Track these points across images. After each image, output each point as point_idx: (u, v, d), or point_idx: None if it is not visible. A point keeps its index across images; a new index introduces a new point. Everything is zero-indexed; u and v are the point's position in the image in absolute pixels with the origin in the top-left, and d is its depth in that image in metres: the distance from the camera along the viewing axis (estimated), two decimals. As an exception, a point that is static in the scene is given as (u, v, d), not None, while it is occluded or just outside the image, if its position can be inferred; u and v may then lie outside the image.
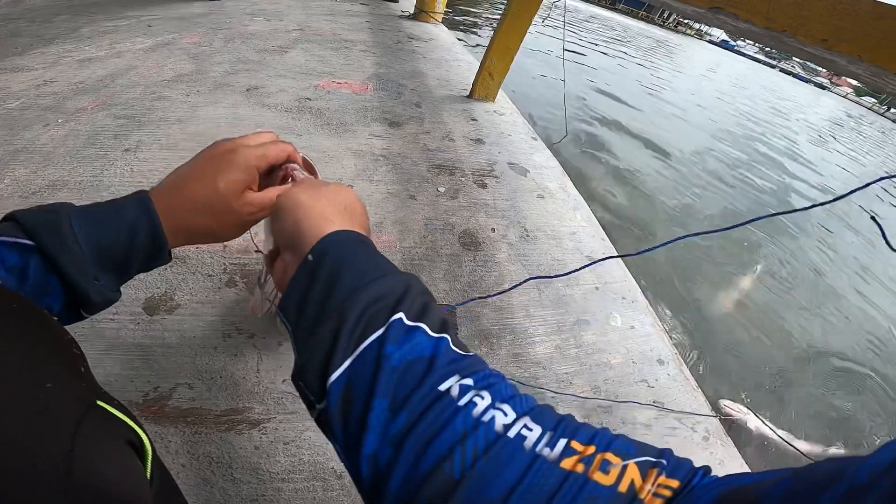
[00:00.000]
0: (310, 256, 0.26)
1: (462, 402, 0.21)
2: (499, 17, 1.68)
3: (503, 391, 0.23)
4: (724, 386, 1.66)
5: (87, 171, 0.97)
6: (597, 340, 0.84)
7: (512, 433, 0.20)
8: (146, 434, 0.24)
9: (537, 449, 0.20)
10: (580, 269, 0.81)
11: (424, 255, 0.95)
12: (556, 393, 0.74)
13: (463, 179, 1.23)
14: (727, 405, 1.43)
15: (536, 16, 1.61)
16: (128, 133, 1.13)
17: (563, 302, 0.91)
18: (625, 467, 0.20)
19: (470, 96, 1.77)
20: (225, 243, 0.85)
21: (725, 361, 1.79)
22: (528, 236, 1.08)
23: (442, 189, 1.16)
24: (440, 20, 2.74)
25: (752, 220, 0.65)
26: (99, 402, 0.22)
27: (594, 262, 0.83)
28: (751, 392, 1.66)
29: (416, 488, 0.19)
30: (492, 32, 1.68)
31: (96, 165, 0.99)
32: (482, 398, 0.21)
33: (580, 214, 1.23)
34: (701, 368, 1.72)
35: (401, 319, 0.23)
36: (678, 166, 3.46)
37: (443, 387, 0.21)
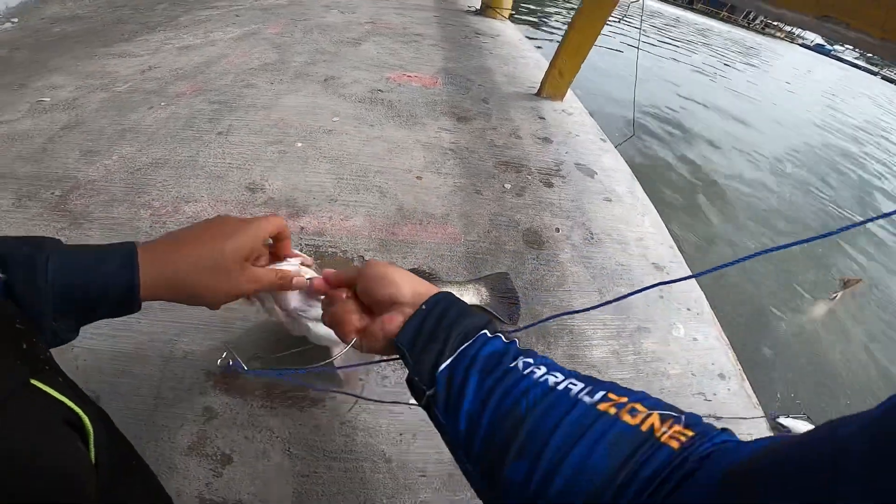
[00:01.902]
0: (423, 307, 0.37)
1: (525, 371, 0.30)
2: (571, 15, 1.62)
3: (557, 367, 0.31)
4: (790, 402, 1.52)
5: (184, 152, 1.06)
6: (657, 349, 0.81)
7: (560, 387, 0.28)
8: (87, 415, 0.25)
9: (580, 396, 0.27)
10: (629, 294, 0.76)
11: (488, 249, 0.94)
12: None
13: (529, 177, 1.21)
14: (786, 422, 1.32)
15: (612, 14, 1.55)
16: (220, 117, 1.21)
17: (625, 307, 0.87)
18: (649, 414, 0.25)
19: (538, 94, 1.74)
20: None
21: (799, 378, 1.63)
22: (592, 239, 1.04)
23: (508, 186, 1.15)
24: (507, 16, 2.70)
25: (839, 231, 0.57)
26: (33, 381, 0.23)
27: (657, 285, 0.79)
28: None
29: (499, 425, 0.28)
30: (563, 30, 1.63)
31: (192, 146, 1.08)
32: (539, 369, 0.30)
33: (648, 220, 1.17)
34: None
35: (485, 333, 0.34)
36: (755, 176, 3.19)
37: (511, 364, 0.31)
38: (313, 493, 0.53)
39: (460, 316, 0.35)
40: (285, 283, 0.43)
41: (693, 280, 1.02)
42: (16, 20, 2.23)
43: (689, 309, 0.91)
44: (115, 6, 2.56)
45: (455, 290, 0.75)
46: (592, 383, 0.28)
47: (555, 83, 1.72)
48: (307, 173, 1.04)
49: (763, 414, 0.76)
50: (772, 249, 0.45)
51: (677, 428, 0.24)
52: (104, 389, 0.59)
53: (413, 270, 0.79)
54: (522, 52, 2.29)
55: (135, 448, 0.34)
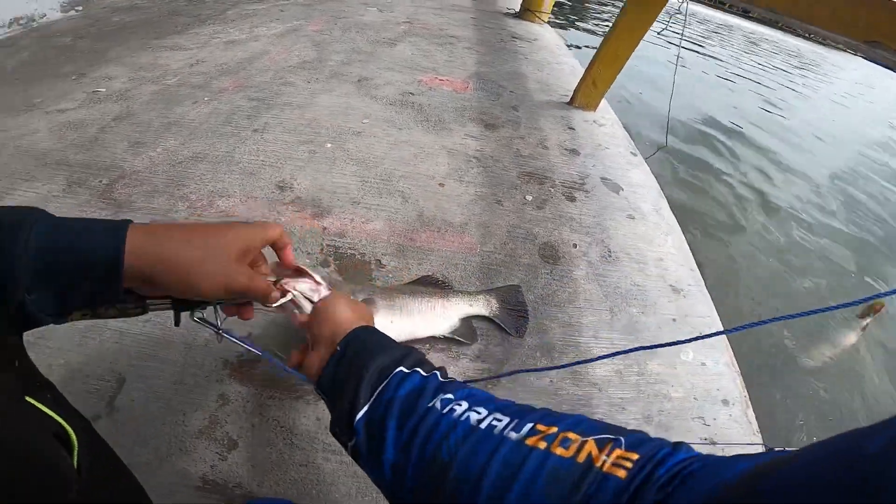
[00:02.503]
0: (338, 347, 0.36)
1: (444, 410, 0.28)
2: (610, 21, 1.59)
3: (480, 398, 0.30)
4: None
5: (222, 147, 1.12)
6: (661, 371, 0.80)
7: (483, 425, 0.27)
8: (73, 427, 0.28)
9: (504, 433, 0.25)
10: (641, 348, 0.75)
11: (502, 261, 0.95)
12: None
13: (552, 190, 1.20)
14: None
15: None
16: (258, 115, 1.27)
17: (635, 328, 0.87)
18: (584, 442, 0.23)
19: (570, 103, 1.71)
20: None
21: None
22: (610, 257, 1.03)
23: (529, 198, 1.15)
24: (546, 20, 2.67)
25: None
26: (27, 398, 0.25)
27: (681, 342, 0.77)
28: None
29: (423, 475, 0.26)
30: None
31: (230, 142, 1.14)
32: (460, 405, 0.28)
33: (671, 240, 1.14)
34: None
35: (401, 370, 0.32)
36: (799, 200, 3.02)
37: (430, 404, 0.29)
38: (309, 481, 0.56)
39: (374, 354, 0.34)
40: (271, 299, 0.40)
41: (713, 308, 0.99)
42: (80, 8, 2.38)
43: (701, 333, 0.89)
44: (171, -3, 2.70)
45: (465, 300, 0.77)
46: (519, 416, 0.27)
47: (588, 92, 1.69)
48: (334, 174, 1.08)
49: (761, 441, 0.74)
50: (813, 312, 0.42)
51: (618, 452, 0.22)
52: (130, 372, 0.64)
53: (424, 278, 0.81)
54: (559, 57, 2.25)
55: (117, 455, 0.36)
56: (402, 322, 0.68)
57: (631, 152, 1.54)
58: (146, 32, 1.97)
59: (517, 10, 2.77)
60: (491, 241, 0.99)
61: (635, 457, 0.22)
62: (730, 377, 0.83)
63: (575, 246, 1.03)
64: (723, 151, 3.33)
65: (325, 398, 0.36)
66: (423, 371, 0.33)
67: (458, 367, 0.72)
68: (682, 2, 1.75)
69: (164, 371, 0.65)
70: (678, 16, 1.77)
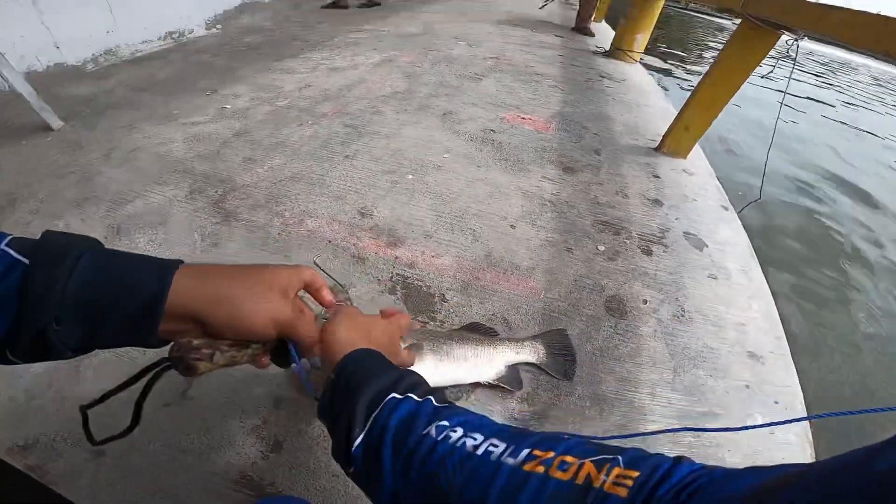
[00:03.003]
0: (332, 375, 0.35)
1: (440, 437, 0.28)
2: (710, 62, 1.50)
3: (475, 423, 0.30)
4: None
5: (317, 170, 1.23)
6: (719, 435, 0.72)
7: (480, 451, 0.27)
8: None
9: (501, 459, 0.26)
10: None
11: (565, 309, 0.93)
12: None
13: (627, 242, 1.16)
14: None
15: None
16: (350, 141, 1.39)
17: (699, 390, 0.80)
18: (581, 465, 0.23)
19: (658, 149, 1.64)
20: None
21: None
22: (682, 316, 0.96)
23: (602, 248, 1.11)
24: (638, 60, 2.60)
25: None
26: None
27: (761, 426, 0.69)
28: None
29: (423, 498, 0.27)
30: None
31: (324, 166, 1.25)
32: (455, 432, 0.28)
33: (757, 305, 1.03)
34: None
35: (394, 397, 0.32)
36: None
37: (424, 431, 0.29)
38: (336, 492, 0.59)
39: (367, 380, 0.33)
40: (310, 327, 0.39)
41: (792, 371, 0.90)
42: (220, 27, 2.79)
43: (776, 402, 0.81)
44: (291, 21, 3.06)
45: (512, 347, 0.76)
46: (515, 441, 0.27)
47: (678, 138, 1.61)
48: (411, 206, 1.14)
49: None
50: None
51: (617, 471, 0.22)
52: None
53: (473, 325, 0.81)
54: (649, 99, 2.18)
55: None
56: (447, 368, 0.69)
57: (722, 206, 1.43)
58: (268, 54, 2.24)
59: (607, 48, 2.74)
60: (556, 289, 0.97)
61: (635, 474, 0.22)
62: (799, 447, 0.74)
63: (645, 302, 0.98)
64: (828, 210, 2.95)
65: (325, 424, 0.36)
66: (417, 396, 0.32)
67: (505, 408, 0.72)
68: (792, 44, 1.62)
69: (235, 370, 0.72)
70: (787, 59, 1.63)
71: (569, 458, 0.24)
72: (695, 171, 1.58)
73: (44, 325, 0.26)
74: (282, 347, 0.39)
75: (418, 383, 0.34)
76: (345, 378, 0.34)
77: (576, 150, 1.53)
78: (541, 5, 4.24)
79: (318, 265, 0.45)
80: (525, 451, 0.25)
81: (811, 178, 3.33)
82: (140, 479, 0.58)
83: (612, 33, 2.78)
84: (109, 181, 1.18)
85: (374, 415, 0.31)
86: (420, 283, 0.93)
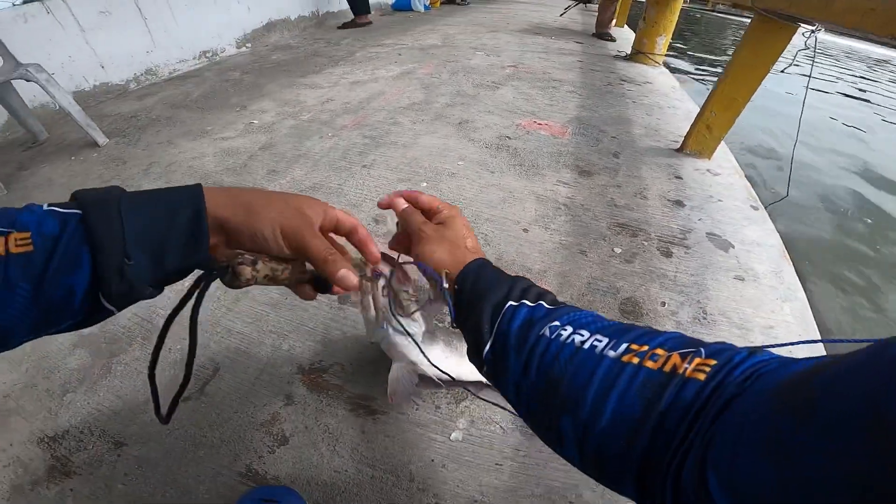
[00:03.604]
0: (457, 286, 0.41)
1: (553, 336, 0.32)
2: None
3: (582, 322, 0.33)
4: None
5: (335, 180, 1.28)
6: None
7: (586, 346, 0.30)
8: None
9: (604, 352, 0.29)
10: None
11: (581, 316, 0.92)
12: None
13: (646, 244, 1.13)
14: None
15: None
16: (368, 152, 1.43)
17: None
18: (669, 356, 0.27)
19: (680, 150, 1.60)
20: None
21: None
22: (704, 319, 0.92)
23: (618, 250, 1.10)
24: (660, 62, 2.55)
25: None
26: None
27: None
28: None
29: (540, 390, 0.31)
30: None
31: (342, 176, 1.30)
32: (566, 330, 0.32)
33: (790, 308, 0.98)
34: None
35: (511, 305, 0.36)
36: None
37: (540, 332, 0.33)
38: (337, 487, 0.60)
39: (486, 291, 0.38)
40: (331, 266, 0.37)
41: None
42: (249, 45, 2.96)
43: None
44: (316, 38, 3.20)
45: None
46: (616, 336, 0.30)
47: (701, 138, 1.56)
48: (425, 212, 1.16)
49: None
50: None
51: (698, 360, 0.25)
52: (224, 362, 0.77)
53: None
54: (672, 101, 2.13)
55: None
56: (454, 360, 0.70)
57: (751, 206, 1.38)
58: (293, 70, 2.36)
59: (628, 52, 2.70)
60: (568, 291, 0.96)
61: (713, 362, 0.25)
62: None
63: (663, 304, 0.95)
64: (860, 202, 2.75)
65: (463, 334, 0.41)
66: (530, 301, 0.36)
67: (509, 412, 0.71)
68: (810, 36, 1.55)
69: (250, 367, 0.76)
70: (807, 52, 1.56)
71: (659, 351, 0.27)
72: (720, 171, 1.53)
73: (120, 262, 0.28)
74: (320, 280, 0.40)
75: (528, 288, 0.38)
76: (467, 291, 0.39)
77: (593, 154, 1.51)
78: (561, 13, 4.24)
79: None
80: (624, 345, 0.29)
81: (852, 177, 3.13)
82: (155, 470, 0.62)
83: (634, 37, 2.74)
84: (147, 194, 1.27)
85: (496, 323, 0.36)
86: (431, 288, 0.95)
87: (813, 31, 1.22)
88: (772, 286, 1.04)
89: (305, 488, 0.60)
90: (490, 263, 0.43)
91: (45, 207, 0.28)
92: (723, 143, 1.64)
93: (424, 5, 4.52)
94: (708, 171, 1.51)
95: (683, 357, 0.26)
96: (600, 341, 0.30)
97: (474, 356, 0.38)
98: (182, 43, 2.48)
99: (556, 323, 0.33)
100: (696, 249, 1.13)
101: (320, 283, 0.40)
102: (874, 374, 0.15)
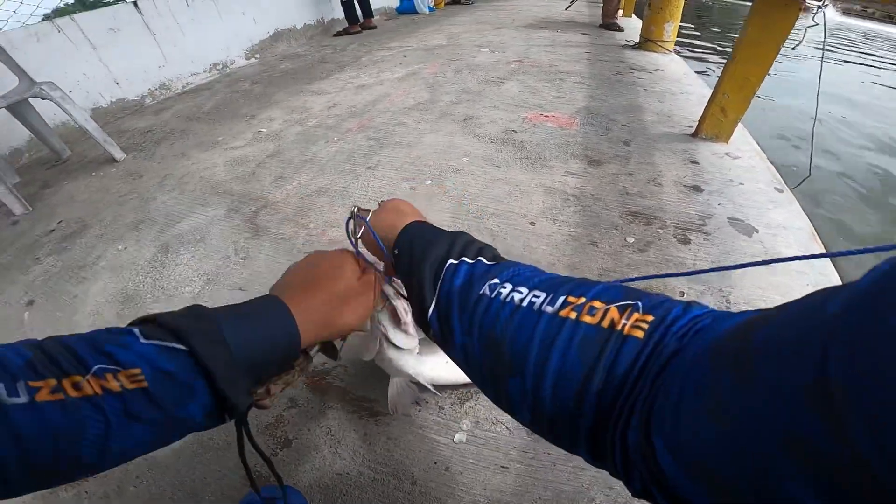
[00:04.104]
0: (396, 250, 0.41)
1: (493, 295, 0.32)
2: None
3: (521, 278, 0.32)
4: None
5: (341, 182, 1.29)
6: None
7: (525, 303, 0.30)
8: None
9: (542, 308, 0.28)
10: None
11: (594, 310, 0.88)
12: None
13: (661, 231, 1.09)
14: None
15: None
16: (373, 153, 1.43)
17: None
18: (607, 310, 0.26)
19: (695, 135, 1.54)
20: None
21: None
22: (727, 307, 0.87)
23: (630, 239, 1.06)
24: (671, 49, 2.47)
25: None
26: None
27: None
28: None
29: (485, 350, 0.31)
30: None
31: (347, 178, 1.30)
32: (505, 288, 0.31)
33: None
34: None
35: (451, 263, 0.36)
36: None
37: (480, 291, 0.32)
38: (338, 490, 0.60)
39: (425, 250, 0.37)
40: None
41: None
42: (258, 56, 3.02)
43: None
44: (322, 45, 3.25)
45: None
46: (553, 289, 0.29)
47: (716, 122, 1.50)
48: (429, 211, 1.15)
49: None
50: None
51: (636, 316, 0.25)
52: None
53: None
54: (685, 87, 2.06)
55: None
56: (453, 366, 0.68)
57: (776, 188, 1.31)
58: (301, 78, 2.39)
59: (637, 41, 2.63)
60: (580, 285, 0.93)
61: (650, 318, 0.25)
62: None
63: (682, 294, 0.91)
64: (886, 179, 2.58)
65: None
66: (469, 258, 0.36)
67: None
68: (818, 10, 1.46)
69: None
70: (817, 28, 1.48)
71: (597, 304, 0.27)
72: (740, 154, 1.46)
73: (238, 392, 0.31)
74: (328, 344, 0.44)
75: (468, 244, 0.38)
76: (405, 253, 0.39)
77: (602, 143, 1.47)
78: (567, 6, 4.18)
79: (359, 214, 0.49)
80: (561, 299, 0.28)
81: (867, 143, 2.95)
82: (165, 473, 0.63)
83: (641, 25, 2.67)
84: (162, 205, 1.30)
85: (438, 284, 0.35)
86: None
87: (820, 7, 1.16)
88: (801, 271, 0.98)
89: (307, 490, 0.60)
90: (425, 223, 0.43)
91: (142, 340, 0.29)
92: (741, 126, 1.57)
93: (429, 7, 4.54)
94: (727, 154, 1.45)
95: (622, 311, 0.26)
96: (538, 297, 0.29)
97: (421, 319, 0.37)
98: (192, 57, 2.55)
99: (496, 280, 0.32)
100: (717, 235, 1.08)
101: (332, 351, 0.45)
102: (813, 328, 0.15)
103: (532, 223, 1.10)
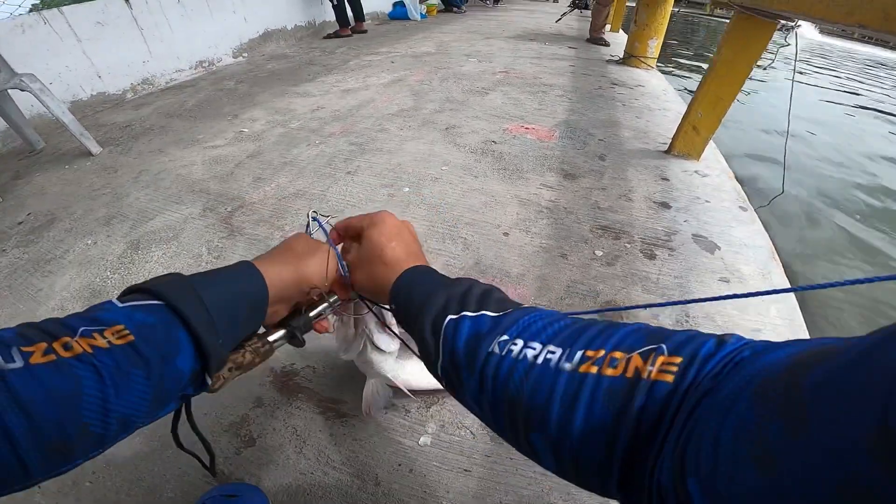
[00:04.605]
0: (392, 305, 0.39)
1: (503, 353, 0.30)
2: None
3: (532, 331, 0.31)
4: None
5: (319, 186, 1.29)
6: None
7: (540, 360, 0.28)
8: None
9: (560, 365, 0.27)
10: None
11: (561, 320, 0.91)
12: None
13: (628, 246, 1.13)
14: None
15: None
16: (353, 158, 1.44)
17: None
18: (629, 359, 0.25)
19: (668, 152, 1.60)
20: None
21: None
22: (686, 321, 0.91)
23: (599, 253, 1.09)
24: (653, 65, 2.55)
25: None
26: None
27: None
28: None
29: (501, 409, 0.30)
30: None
31: (326, 182, 1.31)
32: (516, 345, 0.30)
33: (777, 310, 0.96)
34: None
35: (451, 319, 0.34)
36: None
37: (489, 350, 0.31)
38: (302, 489, 0.60)
39: (422, 306, 0.36)
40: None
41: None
42: (246, 55, 3.00)
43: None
44: (312, 47, 3.24)
45: None
46: (570, 342, 0.29)
47: (688, 140, 1.56)
48: (405, 217, 1.16)
49: None
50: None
51: (662, 359, 0.24)
52: None
53: None
54: (663, 103, 2.13)
55: None
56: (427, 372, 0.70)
57: (740, 206, 1.37)
58: (287, 79, 2.39)
59: (621, 56, 2.71)
60: (547, 295, 0.96)
61: (678, 360, 0.23)
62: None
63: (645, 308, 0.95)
64: (860, 198, 2.71)
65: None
66: (471, 312, 0.34)
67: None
68: (789, 32, 1.54)
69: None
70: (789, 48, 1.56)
71: (617, 354, 0.26)
72: (708, 172, 1.53)
73: (216, 340, 0.32)
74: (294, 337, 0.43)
75: (466, 293, 0.36)
76: (402, 309, 0.39)
77: (578, 157, 1.51)
78: (556, 19, 4.27)
79: (316, 216, 0.50)
80: (579, 354, 0.27)
81: (850, 171, 3.09)
82: (122, 470, 0.63)
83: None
84: (136, 201, 1.29)
85: (440, 342, 0.34)
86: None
87: (793, 27, 1.23)
88: (758, 288, 1.03)
89: (270, 489, 0.60)
90: (421, 271, 0.41)
91: (120, 305, 0.30)
92: (712, 144, 1.64)
93: (421, 14, 4.58)
94: (696, 172, 1.51)
95: (645, 358, 0.24)
96: (553, 353, 0.28)
97: (431, 370, 0.37)
98: (179, 53, 2.52)
99: (505, 337, 0.31)
100: (681, 251, 1.12)
101: (294, 338, 0.44)
102: (873, 376, 0.14)
103: (505, 234, 1.12)
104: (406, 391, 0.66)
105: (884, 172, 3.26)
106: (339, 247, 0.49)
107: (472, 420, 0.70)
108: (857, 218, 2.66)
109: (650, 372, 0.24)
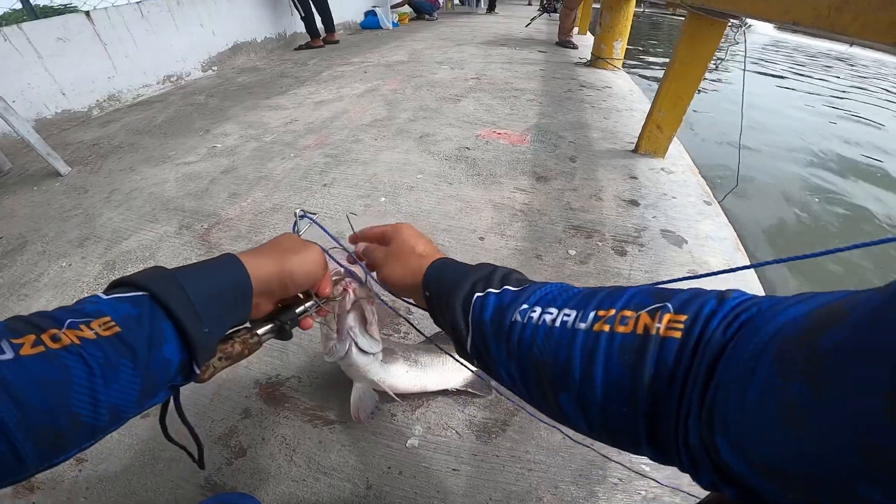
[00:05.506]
0: (426, 293, 0.43)
1: (525, 320, 0.33)
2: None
3: (549, 298, 0.34)
4: None
5: (295, 199, 1.30)
6: None
7: (558, 323, 0.31)
8: None
9: (576, 326, 0.30)
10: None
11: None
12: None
13: (600, 244, 1.17)
14: None
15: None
16: (329, 170, 1.46)
17: None
18: (638, 317, 0.27)
19: (635, 151, 1.67)
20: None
21: None
22: None
23: (572, 252, 1.13)
24: (620, 66, 2.64)
25: None
26: None
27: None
28: None
29: (530, 373, 0.32)
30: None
31: (303, 195, 1.32)
32: (535, 311, 0.33)
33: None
34: None
35: (478, 296, 0.37)
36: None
37: (512, 319, 0.34)
38: (295, 497, 0.62)
39: (452, 289, 0.40)
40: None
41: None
42: (215, 68, 2.97)
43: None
44: (283, 59, 3.23)
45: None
46: (583, 305, 0.31)
47: (653, 138, 1.63)
48: (383, 226, 1.19)
49: None
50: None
51: (668, 317, 0.26)
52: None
53: (439, 335, 0.84)
54: (630, 104, 2.21)
55: None
56: (416, 373, 0.72)
57: (705, 201, 1.44)
58: (259, 92, 2.37)
59: (588, 59, 2.80)
60: (525, 297, 0.99)
61: (683, 318, 0.25)
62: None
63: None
64: (816, 188, 2.87)
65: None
66: (495, 289, 0.37)
67: (466, 415, 0.73)
68: (738, 31, 1.64)
69: (209, 384, 0.76)
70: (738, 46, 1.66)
71: (627, 313, 0.28)
72: (674, 169, 1.59)
73: (201, 330, 0.33)
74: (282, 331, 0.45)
75: (491, 274, 0.40)
76: (434, 295, 0.42)
77: (550, 160, 1.56)
78: (526, 24, 4.37)
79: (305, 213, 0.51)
80: (591, 314, 0.29)
81: (802, 162, 3.25)
82: (115, 484, 0.63)
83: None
84: (109, 221, 1.27)
85: (469, 319, 0.37)
86: (385, 297, 0.97)
87: (741, 27, 1.30)
88: (724, 277, 1.08)
89: (264, 498, 0.61)
90: (449, 261, 0.45)
91: (105, 297, 0.31)
92: (677, 141, 1.71)
93: (392, 23, 4.61)
94: (662, 169, 1.58)
95: (652, 316, 0.26)
96: (569, 315, 0.31)
97: (462, 354, 0.40)
98: (145, 68, 2.48)
99: (525, 306, 0.34)
100: (651, 247, 1.17)
101: (282, 332, 0.45)
102: (885, 336, 0.14)
103: (481, 238, 1.16)
104: (392, 394, 0.68)
105: (834, 153, 3.45)
106: (354, 247, 0.54)
107: (457, 420, 0.72)
108: (816, 201, 2.80)
109: (658, 329, 0.25)
